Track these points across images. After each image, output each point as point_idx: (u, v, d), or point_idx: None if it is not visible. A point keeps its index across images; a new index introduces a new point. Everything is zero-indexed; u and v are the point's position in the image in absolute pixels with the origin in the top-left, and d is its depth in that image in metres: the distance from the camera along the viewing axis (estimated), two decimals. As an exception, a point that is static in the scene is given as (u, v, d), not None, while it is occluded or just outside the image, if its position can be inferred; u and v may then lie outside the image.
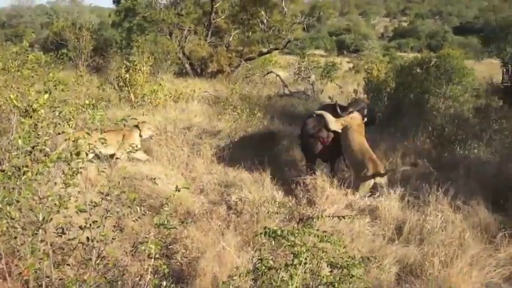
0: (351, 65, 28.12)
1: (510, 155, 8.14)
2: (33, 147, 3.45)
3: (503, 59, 18.21)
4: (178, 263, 5.06)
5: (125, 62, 12.93)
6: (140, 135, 8.44)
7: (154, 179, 5.45)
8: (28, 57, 5.88)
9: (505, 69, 17.41)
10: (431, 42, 56.02)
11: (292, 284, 3.12)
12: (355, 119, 7.53)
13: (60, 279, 3.51)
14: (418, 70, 12.10)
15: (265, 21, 19.78)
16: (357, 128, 7.41)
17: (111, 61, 17.72)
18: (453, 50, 13.73)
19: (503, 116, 8.97)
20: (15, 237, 3.40)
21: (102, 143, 3.59)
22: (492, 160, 8.15)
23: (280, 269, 3.23)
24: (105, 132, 3.79)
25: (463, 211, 6.18)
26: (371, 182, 6.79)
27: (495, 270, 4.89)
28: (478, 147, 8.46)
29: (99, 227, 3.52)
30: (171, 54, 17.35)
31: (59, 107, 3.85)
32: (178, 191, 3.96)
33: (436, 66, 11.82)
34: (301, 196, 6.84)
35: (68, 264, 3.60)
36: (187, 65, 20.04)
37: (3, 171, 3.35)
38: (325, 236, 3.46)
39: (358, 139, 7.27)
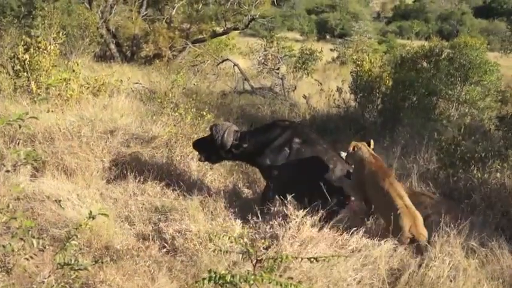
0: (335, 55, 28.43)
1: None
2: None
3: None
4: (89, 319, 4.98)
5: (24, 37, 12.71)
6: None
7: (59, 200, 5.38)
8: None
9: (542, 67, 17.82)
10: (443, 26, 57.23)
11: None
12: None
13: None
14: (425, 64, 12.31)
15: (221, -11, 19.90)
16: None
17: (3, 35, 17.41)
18: (472, 38, 14.02)
19: (537, 129, 9.12)
20: None
21: None
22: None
23: (230, 328, 3.22)
24: None
25: (479, 256, 6.27)
26: None
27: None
28: (501, 170, 8.57)
29: (-24, 266, 3.44)
30: (90, 29, 17.16)
31: None
32: (93, 218, 3.91)
33: (449, 59, 12.05)
34: (265, 229, 6.88)
35: None
36: (112, 46, 19.90)
37: None
38: (291, 284, 3.45)
39: None
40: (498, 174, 8.43)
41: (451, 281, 5.73)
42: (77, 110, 11.00)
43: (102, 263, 4.40)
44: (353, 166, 7.41)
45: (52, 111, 10.25)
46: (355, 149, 7.27)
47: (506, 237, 6.56)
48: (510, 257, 6.21)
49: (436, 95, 11.21)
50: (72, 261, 3.62)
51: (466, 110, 11.18)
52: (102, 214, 4.07)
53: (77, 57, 15.64)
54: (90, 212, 3.92)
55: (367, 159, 7.14)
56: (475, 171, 8.51)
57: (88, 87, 12.18)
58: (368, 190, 7.07)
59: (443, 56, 12.28)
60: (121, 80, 13.20)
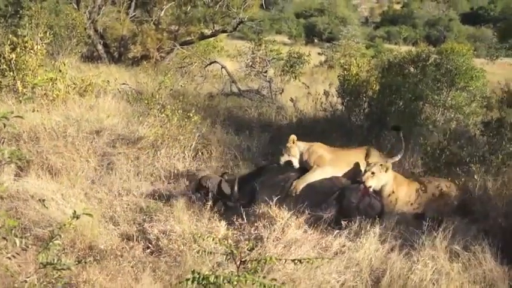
0: (323, 58, 28.49)
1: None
2: None
3: (525, 58, 18.65)
4: (71, 318, 4.96)
5: (10, 36, 12.64)
6: None
7: (43, 200, 5.35)
8: None
9: (527, 73, 17.78)
10: (430, 32, 57.50)
11: None
12: None
13: None
14: (412, 69, 12.32)
15: (210, -9, 19.87)
16: None
17: (-11, 35, 17.33)
18: (459, 44, 14.07)
19: (520, 135, 9.14)
20: None
21: None
22: (503, 193, 8.30)
23: (212, 328, 3.22)
24: None
25: (462, 259, 6.30)
26: None
27: None
28: (485, 175, 8.61)
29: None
30: (77, 29, 17.10)
31: None
32: (77, 217, 3.89)
33: (436, 64, 12.07)
34: (250, 230, 6.92)
35: None
36: (100, 47, 19.85)
37: None
38: (274, 285, 3.45)
39: None
40: (482, 179, 8.46)
41: (433, 284, 5.76)
42: (63, 110, 10.97)
43: (85, 262, 4.38)
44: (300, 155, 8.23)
45: (38, 110, 10.22)
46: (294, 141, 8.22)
47: (488, 241, 6.58)
48: (492, 261, 6.24)
49: (423, 100, 11.20)
50: (55, 261, 3.60)
51: (452, 115, 11.20)
52: (86, 214, 4.05)
53: (64, 57, 15.56)
54: (74, 211, 3.90)
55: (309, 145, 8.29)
56: (460, 176, 8.55)
57: (74, 88, 12.14)
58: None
59: (430, 62, 12.28)
60: (108, 81, 13.16)
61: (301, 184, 7.78)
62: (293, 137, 8.27)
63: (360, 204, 7.50)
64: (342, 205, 7.53)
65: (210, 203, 7.76)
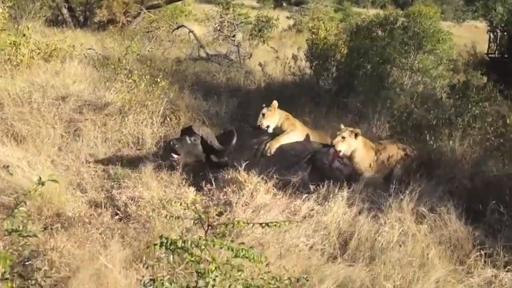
0: (291, 22, 28.39)
1: (493, 149, 8.39)
2: None
3: (491, 21, 18.57)
4: (38, 286, 4.93)
5: (-30, 0, 12.41)
6: None
7: (7, 166, 5.29)
8: None
9: (492, 36, 17.79)
10: (399, -5, 57.52)
11: (195, 314, 3.12)
12: None
13: None
14: (379, 32, 12.34)
15: (176, -47, 19.62)
16: None
17: None
18: (427, 7, 14.10)
19: (486, 97, 9.22)
20: None
21: None
22: (469, 155, 8.41)
23: (181, 293, 3.22)
24: None
25: (428, 221, 6.39)
26: None
27: (466, 299, 5.07)
28: (451, 138, 8.69)
29: None
30: (41, -8, 16.83)
31: None
32: (42, 184, 3.85)
33: (403, 28, 12.10)
34: (219, 196, 6.97)
35: None
36: (64, 11, 19.53)
37: None
38: (242, 249, 3.46)
39: None
40: (451, 142, 8.54)
41: (400, 245, 5.84)
42: (28, 75, 10.82)
43: (51, 229, 4.35)
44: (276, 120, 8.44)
45: (1, 76, 10.08)
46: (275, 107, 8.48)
47: (454, 202, 6.68)
48: (457, 222, 6.34)
49: (390, 63, 11.25)
50: (20, 228, 3.56)
51: (419, 79, 11.28)
52: (52, 180, 4.01)
53: (28, 21, 15.27)
54: (40, 178, 3.86)
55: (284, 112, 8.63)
56: (427, 139, 8.62)
57: (39, 53, 11.94)
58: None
59: (397, 25, 12.32)
60: (73, 46, 12.98)
61: (275, 145, 7.98)
62: (275, 102, 8.50)
63: (332, 165, 7.65)
64: (315, 166, 7.65)
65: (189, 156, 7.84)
